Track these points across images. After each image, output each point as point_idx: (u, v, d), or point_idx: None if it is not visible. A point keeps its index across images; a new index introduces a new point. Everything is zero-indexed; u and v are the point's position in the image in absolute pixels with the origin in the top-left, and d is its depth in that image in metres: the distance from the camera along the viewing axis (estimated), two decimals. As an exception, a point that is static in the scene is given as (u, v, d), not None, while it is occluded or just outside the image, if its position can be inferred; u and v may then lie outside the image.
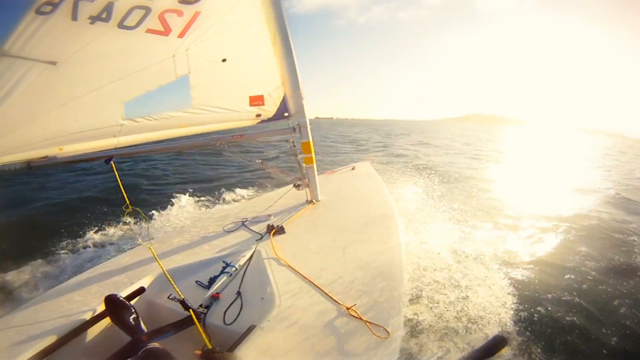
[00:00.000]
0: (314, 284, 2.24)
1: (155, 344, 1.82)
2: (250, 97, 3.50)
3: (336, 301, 2.02)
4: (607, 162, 23.27)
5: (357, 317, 1.86)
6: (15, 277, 4.16)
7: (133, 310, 2.06)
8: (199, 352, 1.41)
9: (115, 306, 2.07)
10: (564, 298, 4.08)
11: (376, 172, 5.61)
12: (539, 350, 3.18)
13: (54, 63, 2.58)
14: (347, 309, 1.93)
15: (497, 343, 1.38)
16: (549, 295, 4.10)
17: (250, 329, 1.85)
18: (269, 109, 3.62)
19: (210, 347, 1.71)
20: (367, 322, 1.80)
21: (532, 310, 3.74)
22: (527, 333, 3.37)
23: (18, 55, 2.42)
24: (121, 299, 2.11)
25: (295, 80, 3.61)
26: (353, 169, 5.87)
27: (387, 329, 1.76)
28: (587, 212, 7.86)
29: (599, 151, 35.91)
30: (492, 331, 3.23)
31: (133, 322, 2.00)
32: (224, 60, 3.28)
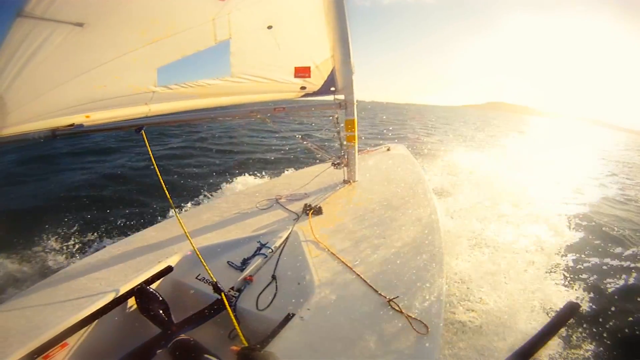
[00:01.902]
0: (355, 272, 2.11)
1: (184, 336, 1.77)
2: (295, 68, 3.20)
3: (377, 292, 1.91)
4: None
5: (398, 311, 1.76)
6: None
7: (163, 302, 1.98)
8: (236, 348, 1.30)
9: (146, 298, 1.99)
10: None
11: (411, 155, 5.36)
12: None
13: (80, 25, 2.27)
14: (388, 300, 1.83)
15: (571, 309, 1.35)
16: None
17: (289, 318, 1.75)
18: (315, 82, 3.31)
19: (241, 335, 1.63)
20: (408, 316, 1.71)
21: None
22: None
23: (42, 16, 2.10)
24: (152, 290, 2.01)
25: (347, 53, 3.27)
26: (388, 149, 5.62)
27: (427, 324, 1.67)
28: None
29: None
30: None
31: (163, 314, 1.93)
32: (269, 27, 2.97)
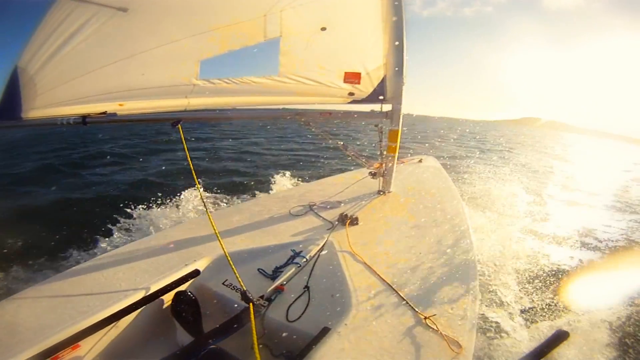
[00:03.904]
0: (392, 287, 2.01)
1: (214, 346, 1.68)
2: (345, 73, 3.01)
3: (414, 309, 1.83)
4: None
5: (434, 329, 1.69)
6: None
7: (198, 310, 1.89)
8: None
9: (184, 304, 1.88)
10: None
11: (442, 168, 5.21)
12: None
13: (124, 10, 2.12)
14: (425, 318, 1.75)
15: (559, 337, 1.38)
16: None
17: (325, 332, 1.65)
18: (364, 89, 3.12)
19: (257, 351, 1.48)
20: (445, 335, 1.64)
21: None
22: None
23: (85, -2, 1.95)
24: (193, 297, 1.91)
25: (401, 62, 3.08)
26: (420, 161, 5.47)
27: (461, 342, 1.60)
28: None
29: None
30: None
31: (197, 322, 1.85)
32: (323, 28, 2.81)
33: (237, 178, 7.79)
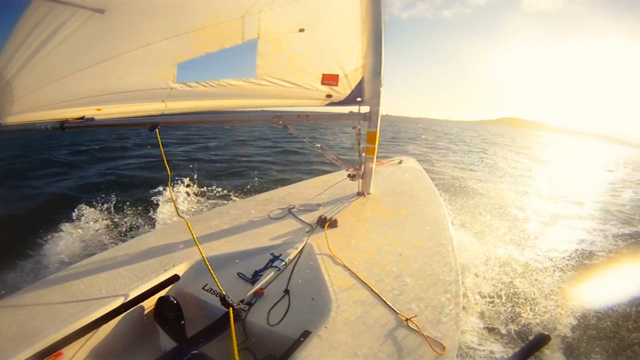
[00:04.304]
0: (372, 289, 2.01)
1: (197, 351, 1.69)
2: (323, 74, 3.04)
3: (395, 311, 1.83)
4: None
5: (416, 330, 1.69)
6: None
7: (181, 315, 1.86)
8: None
9: (168, 309, 1.85)
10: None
11: (423, 169, 5.27)
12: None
13: (101, 11, 2.12)
14: (406, 319, 1.75)
15: (540, 340, 1.38)
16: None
17: (305, 335, 1.65)
18: (342, 90, 3.16)
19: (236, 354, 1.50)
20: (427, 336, 1.65)
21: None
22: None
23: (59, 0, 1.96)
24: (176, 302, 1.88)
25: (379, 64, 3.13)
26: (400, 162, 5.52)
27: (444, 343, 1.61)
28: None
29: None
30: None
31: (180, 327, 1.82)
32: (301, 30, 2.81)
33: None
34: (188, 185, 6.29)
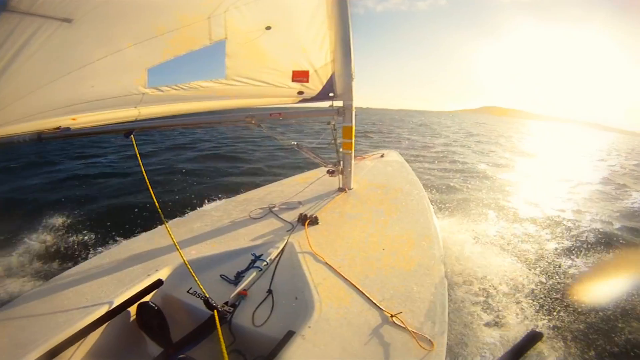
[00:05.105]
0: (356, 287, 2.00)
1: (184, 355, 1.68)
2: (293, 71, 3.07)
3: (380, 307, 1.82)
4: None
5: (402, 327, 1.68)
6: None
7: (164, 320, 1.87)
8: None
9: (148, 315, 1.88)
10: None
11: (405, 162, 5.27)
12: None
13: (69, 20, 2.14)
14: (391, 316, 1.74)
15: (533, 338, 1.39)
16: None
17: (290, 335, 1.65)
18: (313, 87, 3.19)
19: (226, 358, 1.50)
20: (413, 332, 1.64)
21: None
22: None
23: (27, 11, 1.99)
24: (155, 308, 1.89)
25: (348, 58, 3.15)
26: (382, 156, 5.53)
27: (432, 339, 1.60)
28: None
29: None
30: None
31: (163, 332, 1.83)
32: (268, 27, 2.83)
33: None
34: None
